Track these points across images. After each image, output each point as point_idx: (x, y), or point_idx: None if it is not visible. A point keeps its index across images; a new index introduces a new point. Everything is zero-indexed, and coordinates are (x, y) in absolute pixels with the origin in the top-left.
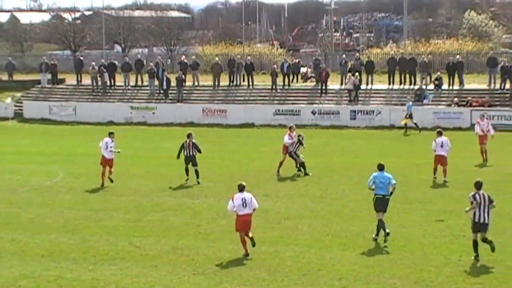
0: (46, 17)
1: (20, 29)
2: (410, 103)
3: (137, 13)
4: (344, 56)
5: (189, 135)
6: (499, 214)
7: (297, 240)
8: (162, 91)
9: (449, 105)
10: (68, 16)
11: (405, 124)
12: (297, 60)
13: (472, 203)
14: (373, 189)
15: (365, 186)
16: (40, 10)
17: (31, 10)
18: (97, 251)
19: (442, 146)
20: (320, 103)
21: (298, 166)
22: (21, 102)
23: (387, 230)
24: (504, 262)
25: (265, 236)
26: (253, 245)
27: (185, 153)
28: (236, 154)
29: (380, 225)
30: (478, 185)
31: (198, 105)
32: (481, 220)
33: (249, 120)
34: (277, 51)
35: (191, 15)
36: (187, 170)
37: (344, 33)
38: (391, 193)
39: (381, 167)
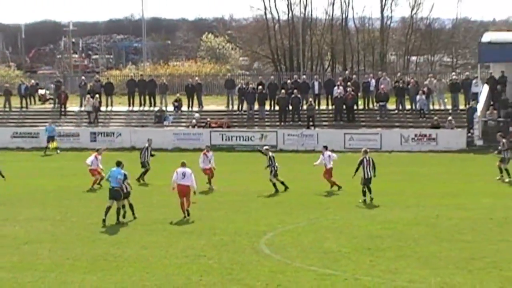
0: None
1: None
2: (53, 125)
3: None
4: (83, 77)
5: None
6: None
7: (36, 265)
8: None
9: (188, 126)
10: None
11: (50, 147)
12: (35, 82)
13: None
14: (109, 181)
15: (103, 209)
16: None
17: None
18: None
19: (184, 176)
20: (60, 125)
21: None
22: None
23: (104, 217)
24: (243, 280)
25: (3, 262)
26: None
27: None
28: None
29: (106, 211)
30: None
31: None
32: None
33: None
34: (14, 73)
35: None
36: None
37: (83, 54)
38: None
39: (117, 164)
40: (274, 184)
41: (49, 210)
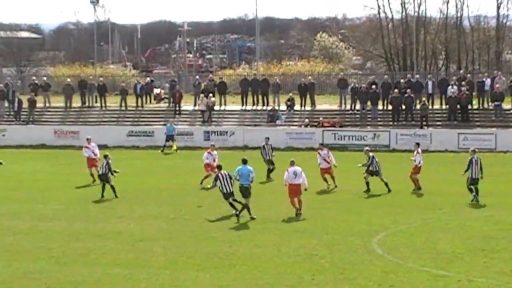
0: None
1: None
2: (173, 125)
3: None
4: (197, 77)
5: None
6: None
7: (151, 262)
8: (12, 113)
9: (301, 125)
10: None
11: (172, 147)
12: (150, 79)
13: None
14: (238, 180)
15: (219, 207)
16: None
17: None
18: None
19: (295, 175)
20: (174, 124)
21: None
22: None
23: (253, 216)
24: (355, 279)
25: (119, 258)
26: None
27: None
28: (89, 176)
29: (247, 208)
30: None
31: (49, 127)
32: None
33: (102, 142)
34: (130, 72)
35: (42, 35)
36: None
37: (198, 54)
38: (251, 181)
39: (244, 161)
40: (367, 183)
41: (163, 208)
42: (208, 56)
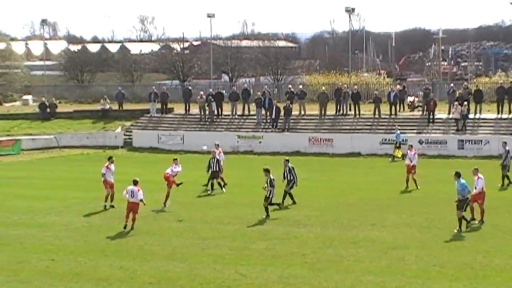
0: (155, 47)
1: (130, 60)
2: (398, 132)
3: (244, 43)
4: (452, 85)
5: (215, 145)
6: None
7: (403, 271)
8: (269, 120)
9: None
10: (176, 46)
11: (395, 155)
12: (402, 85)
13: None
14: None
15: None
16: (149, 41)
17: (141, 40)
18: (204, 279)
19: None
20: (427, 133)
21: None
22: (131, 131)
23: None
24: None
25: (371, 266)
26: (132, 227)
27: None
28: (343, 184)
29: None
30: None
31: (304, 134)
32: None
33: (356, 149)
34: (384, 80)
35: (297, 44)
36: (212, 185)
37: (452, 62)
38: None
39: (459, 175)
40: None
41: (416, 217)
42: (463, 64)
